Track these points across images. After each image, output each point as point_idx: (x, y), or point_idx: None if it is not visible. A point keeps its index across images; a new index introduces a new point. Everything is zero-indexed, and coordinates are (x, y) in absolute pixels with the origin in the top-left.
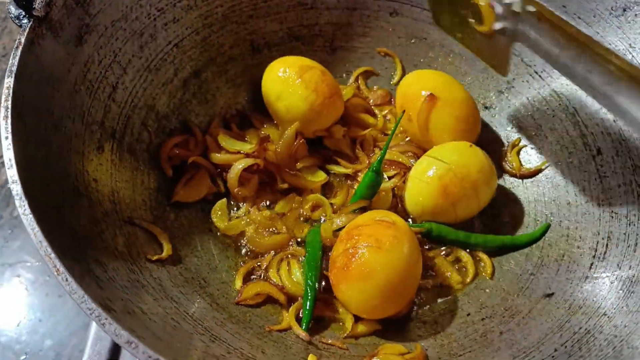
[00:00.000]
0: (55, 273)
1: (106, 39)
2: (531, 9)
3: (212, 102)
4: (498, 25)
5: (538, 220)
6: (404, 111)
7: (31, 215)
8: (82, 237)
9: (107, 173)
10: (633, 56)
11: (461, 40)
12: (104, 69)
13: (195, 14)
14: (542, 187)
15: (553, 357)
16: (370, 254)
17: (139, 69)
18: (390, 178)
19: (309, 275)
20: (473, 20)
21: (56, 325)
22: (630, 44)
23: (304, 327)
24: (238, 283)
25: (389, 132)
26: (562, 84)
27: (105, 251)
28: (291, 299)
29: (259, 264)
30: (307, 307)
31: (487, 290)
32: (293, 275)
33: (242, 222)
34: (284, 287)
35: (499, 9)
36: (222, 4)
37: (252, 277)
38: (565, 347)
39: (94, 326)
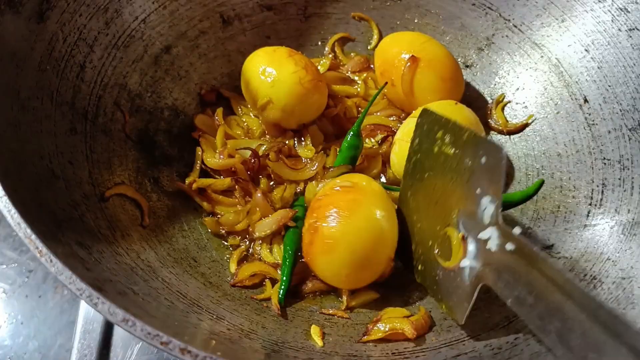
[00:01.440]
0: (38, 255)
1: (69, 15)
2: (510, 246)
3: (186, 79)
4: (465, 263)
5: (529, 174)
6: (385, 83)
7: (6, 197)
8: (62, 220)
9: (82, 155)
10: (613, 0)
11: (421, 273)
12: (69, 47)
13: None
14: (531, 141)
15: None
16: (329, 225)
17: (106, 47)
18: (380, 143)
19: (287, 243)
20: (438, 251)
21: (39, 326)
22: None
23: (280, 295)
24: (233, 266)
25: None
26: (543, 35)
27: (89, 234)
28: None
29: (252, 246)
30: (284, 276)
31: None
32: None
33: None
34: (280, 264)
35: (471, 246)
36: None
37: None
38: None
39: (80, 323)
